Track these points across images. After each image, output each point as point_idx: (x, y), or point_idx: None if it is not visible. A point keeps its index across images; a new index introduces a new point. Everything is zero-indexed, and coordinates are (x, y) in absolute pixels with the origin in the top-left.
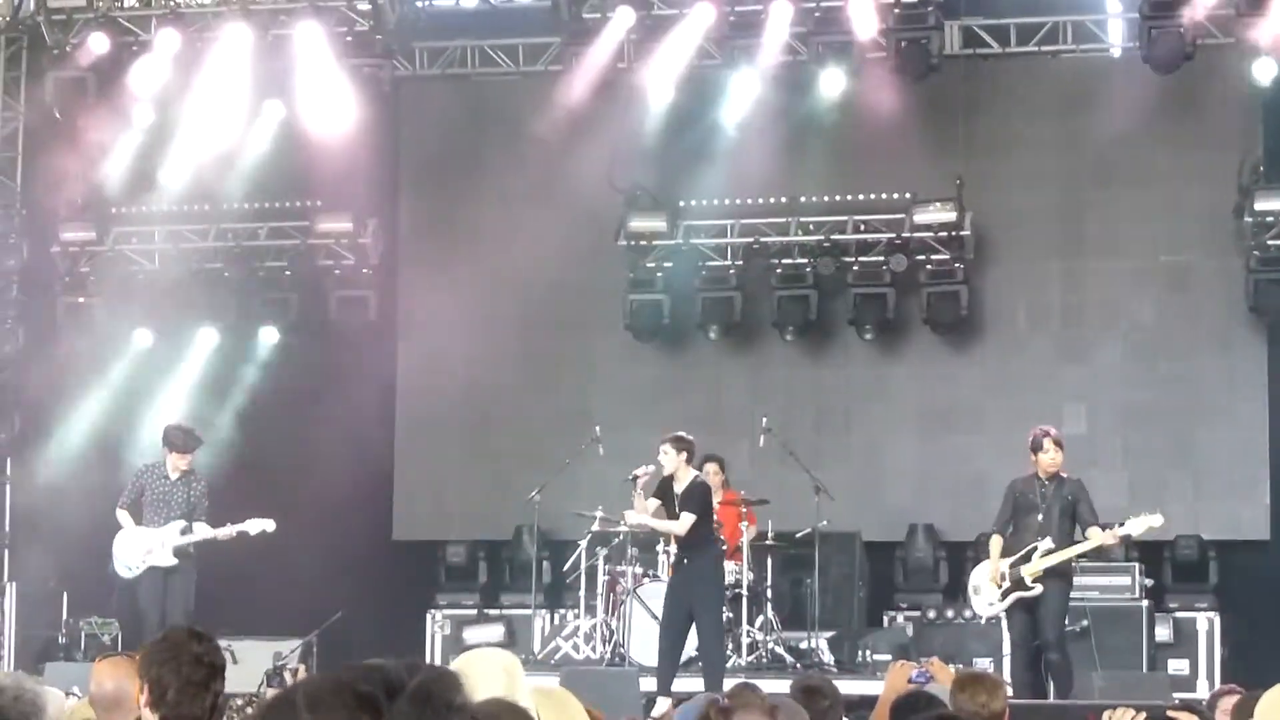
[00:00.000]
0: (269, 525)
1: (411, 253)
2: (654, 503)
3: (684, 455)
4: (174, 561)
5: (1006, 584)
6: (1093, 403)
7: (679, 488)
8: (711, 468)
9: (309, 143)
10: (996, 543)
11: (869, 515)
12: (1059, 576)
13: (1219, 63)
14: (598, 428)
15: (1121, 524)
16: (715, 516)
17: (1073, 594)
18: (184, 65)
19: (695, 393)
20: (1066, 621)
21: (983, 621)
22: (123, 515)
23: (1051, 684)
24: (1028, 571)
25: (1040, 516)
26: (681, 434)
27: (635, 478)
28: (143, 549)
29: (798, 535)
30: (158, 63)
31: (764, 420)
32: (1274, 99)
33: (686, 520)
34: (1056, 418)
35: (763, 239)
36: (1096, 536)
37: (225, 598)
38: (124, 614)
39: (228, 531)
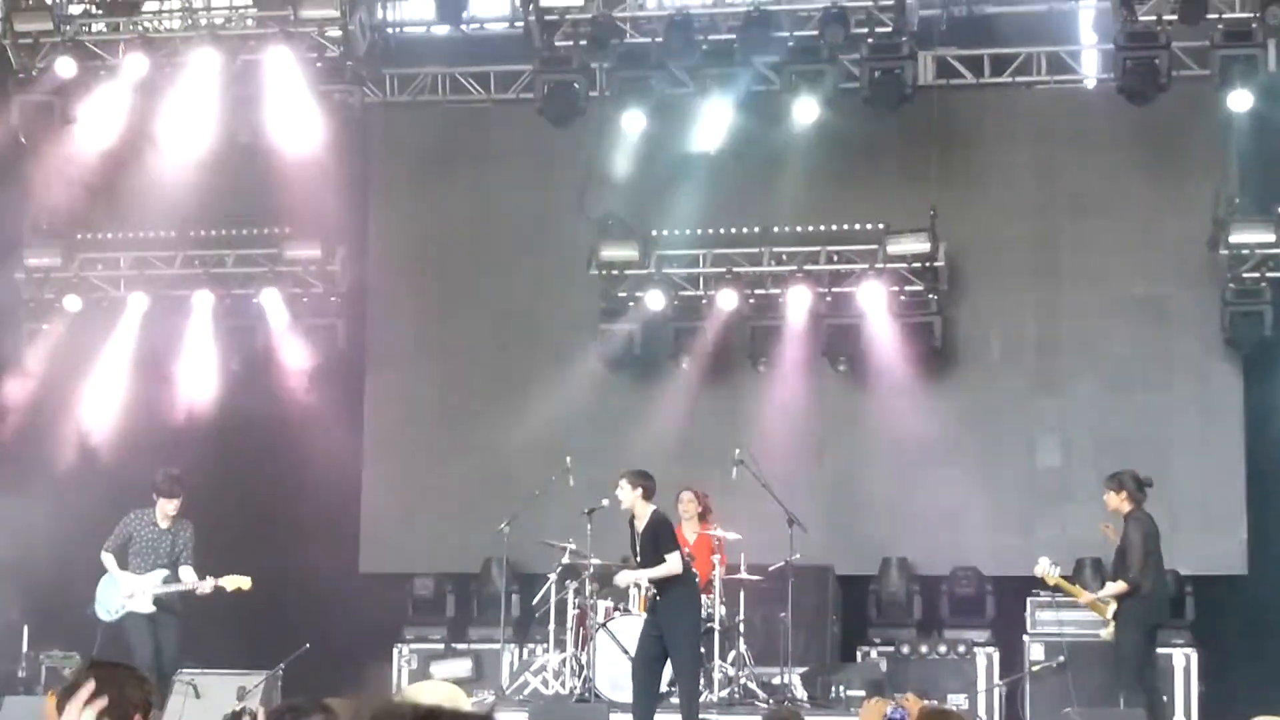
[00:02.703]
0: (245, 583)
1: (380, 280)
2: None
3: (639, 491)
4: (152, 609)
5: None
6: (1067, 435)
7: (639, 525)
8: (686, 496)
9: (278, 168)
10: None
11: (842, 548)
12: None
13: (1194, 94)
14: (569, 458)
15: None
16: (688, 549)
17: (1050, 630)
18: (152, 90)
19: (667, 423)
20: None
21: (956, 656)
22: (107, 559)
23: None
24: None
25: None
26: (639, 470)
27: (592, 511)
28: (124, 594)
29: (770, 568)
30: (125, 87)
31: (736, 451)
32: (1248, 131)
33: (675, 559)
34: (1030, 450)
35: (736, 269)
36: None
37: (190, 630)
38: (107, 656)
39: (205, 586)
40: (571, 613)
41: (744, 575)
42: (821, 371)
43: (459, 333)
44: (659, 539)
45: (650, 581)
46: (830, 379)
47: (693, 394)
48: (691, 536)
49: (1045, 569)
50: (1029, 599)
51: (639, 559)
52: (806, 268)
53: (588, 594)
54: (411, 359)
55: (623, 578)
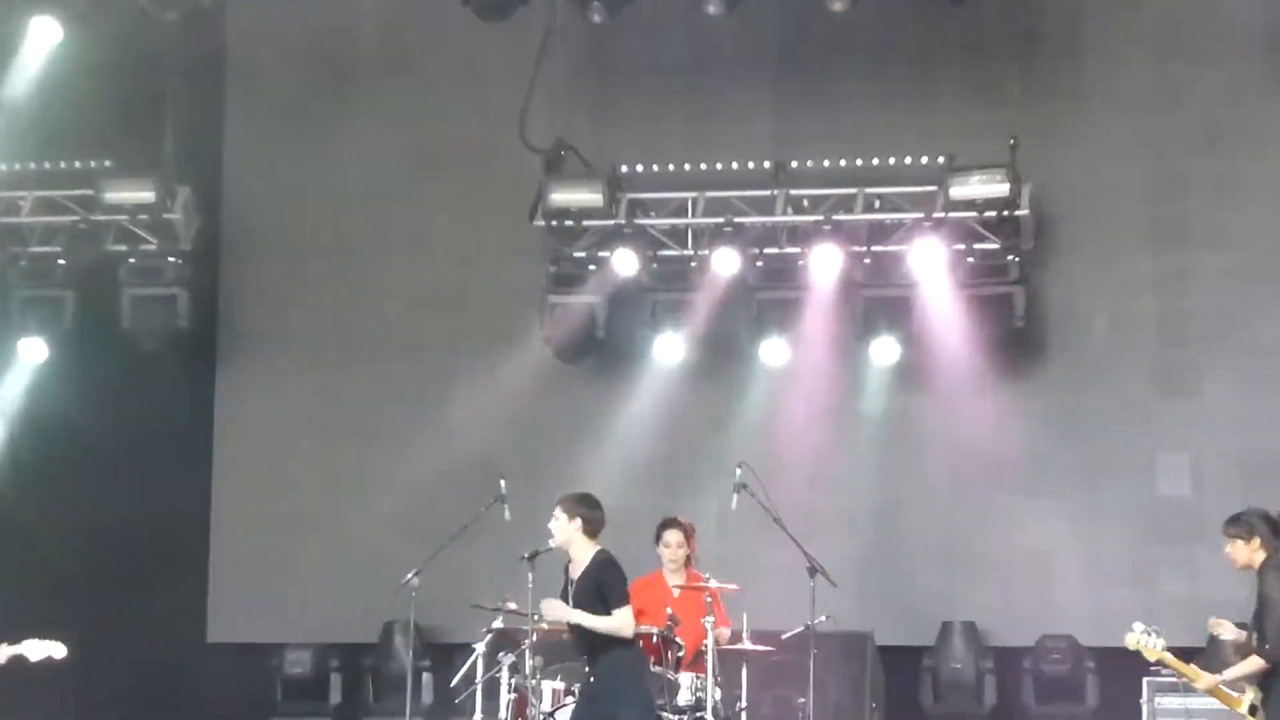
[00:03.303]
0: (57, 650)
1: (239, 236)
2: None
3: (578, 523)
4: None
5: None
6: (1199, 453)
7: (574, 570)
8: (673, 537)
9: (96, 79)
10: None
11: (886, 609)
12: None
13: None
14: (503, 482)
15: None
16: (668, 609)
17: None
18: None
19: (641, 434)
20: None
21: None
22: None
23: None
24: None
25: None
26: (579, 494)
27: (534, 555)
28: None
29: (785, 636)
30: None
31: (738, 472)
32: None
33: (626, 617)
34: (1147, 473)
35: (738, 219)
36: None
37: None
38: None
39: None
40: (506, 697)
41: (747, 645)
42: (856, 362)
43: (349, 310)
44: (604, 588)
45: (579, 644)
46: (869, 373)
47: (677, 393)
48: (676, 591)
49: (1138, 639)
50: (1145, 679)
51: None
52: (837, 218)
53: (528, 671)
54: (281, 346)
55: (550, 609)
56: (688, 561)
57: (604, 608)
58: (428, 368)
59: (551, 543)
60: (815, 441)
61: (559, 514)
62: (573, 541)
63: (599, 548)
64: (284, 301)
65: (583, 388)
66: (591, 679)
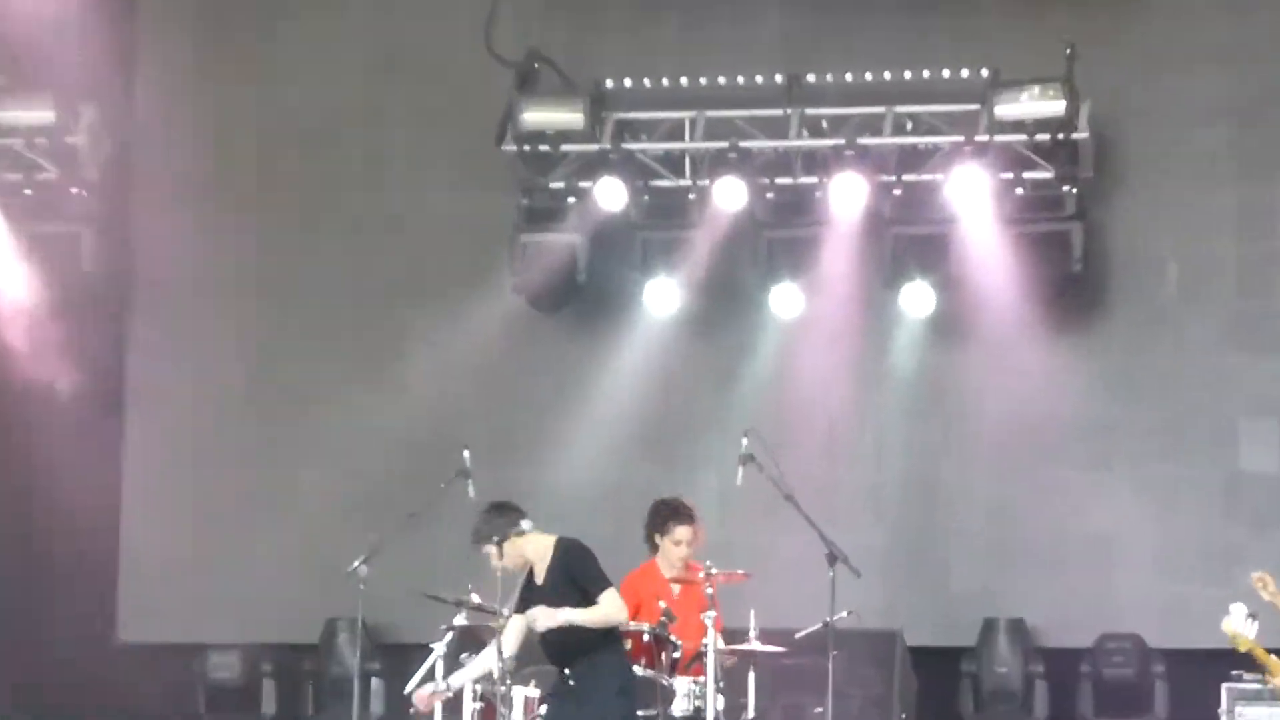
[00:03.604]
0: None
1: (155, 164)
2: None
3: (512, 542)
4: None
5: None
6: None
7: (540, 570)
8: (686, 535)
9: None
10: None
11: (918, 603)
12: None
13: None
14: (466, 454)
15: None
16: (662, 604)
17: None
18: None
19: (629, 397)
20: None
21: None
22: None
23: None
24: None
25: None
26: (494, 505)
27: (504, 540)
28: None
29: (800, 634)
30: None
31: (744, 442)
32: None
33: (612, 597)
34: (1228, 444)
35: (743, 144)
36: None
37: None
38: None
39: None
40: (471, 706)
41: (756, 645)
42: (883, 312)
43: (285, 253)
44: (576, 574)
45: (550, 651)
46: (898, 326)
47: (672, 349)
48: (675, 585)
49: (1238, 625)
50: (1225, 686)
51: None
52: (862, 141)
53: (497, 675)
54: (204, 296)
55: (541, 616)
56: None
57: (583, 598)
58: (377, 319)
59: (498, 570)
60: (835, 406)
61: (491, 552)
62: (526, 553)
63: (554, 536)
64: (208, 243)
65: (561, 342)
66: (570, 681)
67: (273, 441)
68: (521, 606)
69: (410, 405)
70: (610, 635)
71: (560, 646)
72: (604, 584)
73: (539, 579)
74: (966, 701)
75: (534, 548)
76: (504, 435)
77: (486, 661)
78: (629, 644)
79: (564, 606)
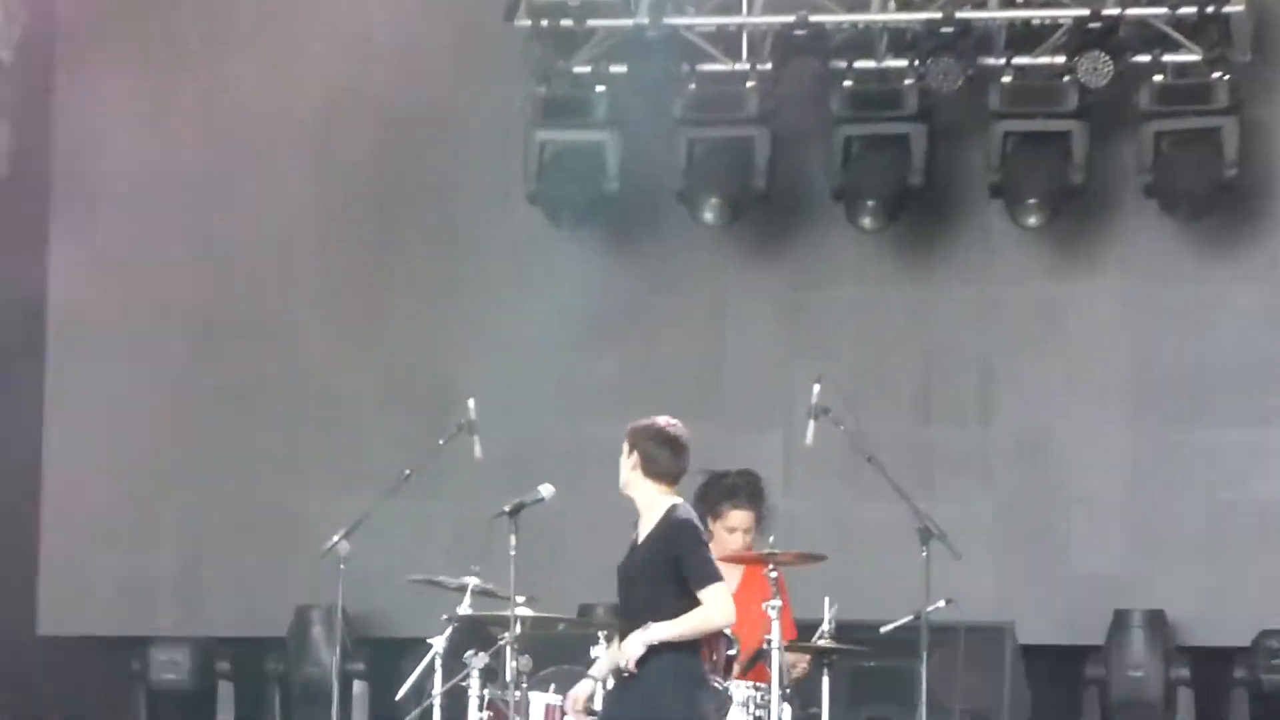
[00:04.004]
0: None
1: (85, 46)
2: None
3: (635, 460)
4: None
5: None
6: None
7: (644, 528)
8: (742, 520)
9: None
10: None
11: (1033, 592)
12: None
13: None
14: (471, 404)
15: None
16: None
17: None
18: None
19: (672, 333)
20: None
21: None
22: None
23: None
24: None
25: None
26: (653, 423)
27: (517, 510)
28: None
29: (885, 630)
30: None
31: (816, 389)
32: None
33: (718, 597)
34: None
35: (814, 18)
36: None
37: None
38: None
39: None
40: (476, 717)
41: (828, 642)
42: (989, 227)
43: (243, 154)
44: (681, 562)
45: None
46: (1006, 244)
47: (725, 272)
48: (734, 574)
49: None
50: None
51: (633, 603)
52: (962, 15)
53: (509, 678)
54: (142, 205)
55: (632, 647)
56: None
57: (678, 589)
58: (356, 236)
59: (544, 492)
60: (929, 346)
61: (624, 446)
62: (633, 487)
63: (674, 501)
64: (149, 143)
65: (587, 265)
66: (625, 674)
67: (228, 388)
68: (624, 564)
69: (400, 343)
70: (695, 644)
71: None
72: (710, 578)
73: (640, 538)
74: (1093, 713)
75: (645, 500)
76: (516, 381)
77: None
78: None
79: (655, 588)
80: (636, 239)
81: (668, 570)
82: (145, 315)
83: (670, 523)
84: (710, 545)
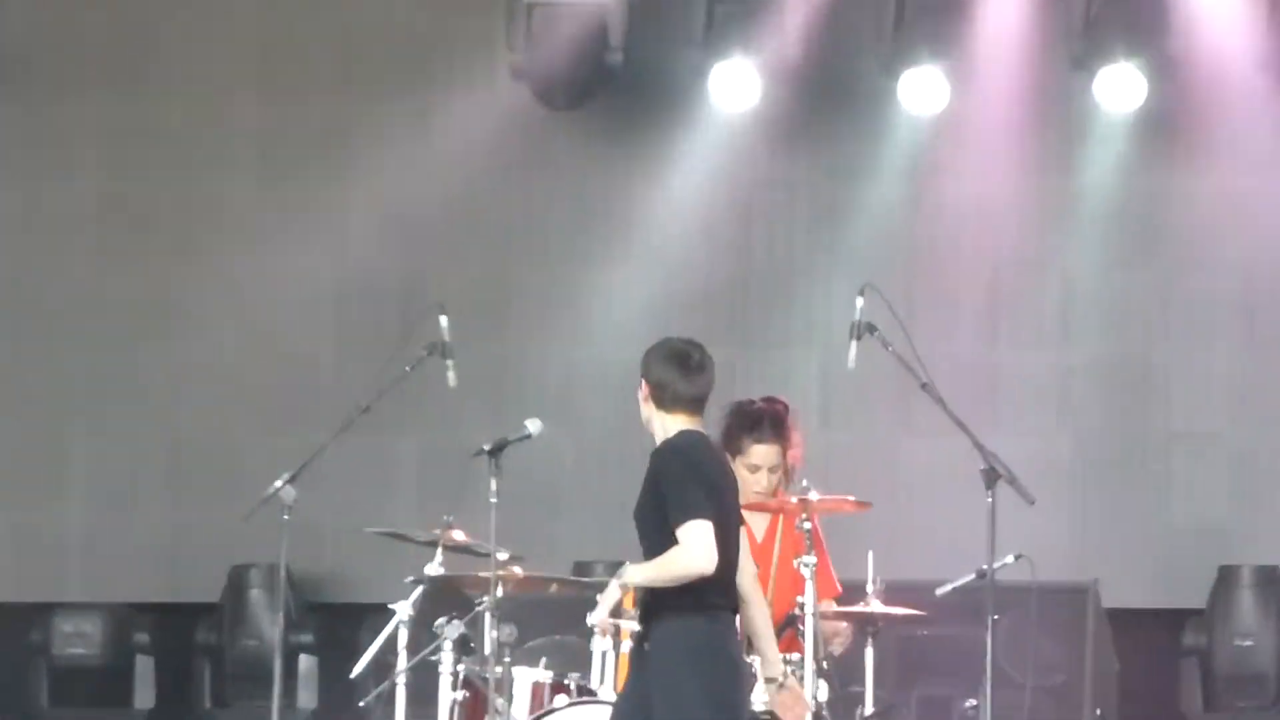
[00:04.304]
0: None
1: None
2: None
3: (644, 390)
4: None
5: None
6: None
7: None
8: (766, 456)
9: None
10: None
11: (1121, 545)
12: None
13: None
14: (443, 320)
15: None
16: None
17: None
18: None
19: (683, 231)
20: None
21: None
22: None
23: None
24: None
25: None
26: (666, 344)
27: (500, 449)
28: None
29: (942, 591)
30: None
31: (859, 302)
32: None
33: (692, 536)
34: None
35: None
36: None
37: None
38: None
39: None
40: (450, 696)
41: (875, 607)
42: (1070, 109)
43: (163, 24)
44: (661, 487)
45: (639, 605)
46: (1093, 127)
47: (748, 162)
48: (760, 524)
49: None
50: None
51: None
52: None
53: (489, 651)
54: (75, 69)
55: (603, 606)
56: (784, 477)
57: (661, 529)
58: (308, 117)
59: (532, 428)
60: (998, 250)
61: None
62: (651, 423)
63: (682, 428)
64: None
65: (583, 151)
66: (644, 645)
67: (146, 299)
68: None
69: (358, 242)
70: (698, 591)
71: (642, 605)
72: (686, 511)
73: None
74: (1192, 690)
75: (660, 431)
76: (498, 292)
77: None
78: None
79: (651, 538)
80: (641, 121)
81: (657, 513)
82: (44, 200)
83: (657, 451)
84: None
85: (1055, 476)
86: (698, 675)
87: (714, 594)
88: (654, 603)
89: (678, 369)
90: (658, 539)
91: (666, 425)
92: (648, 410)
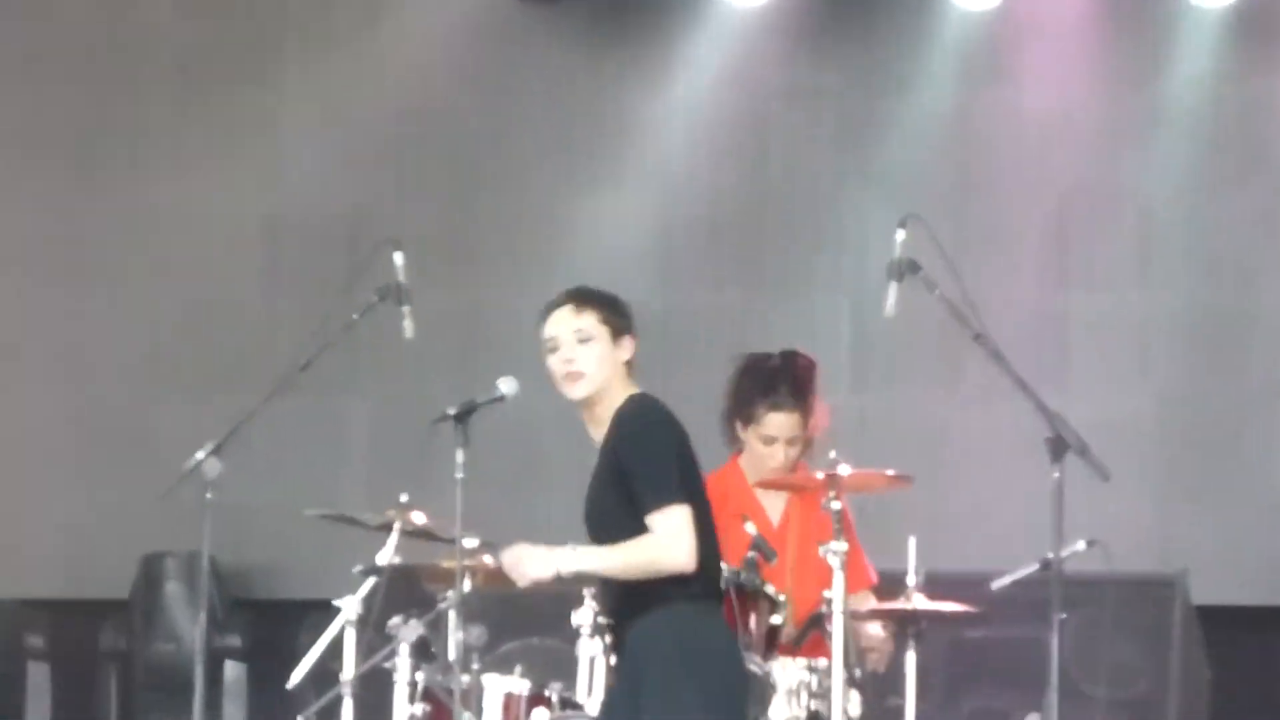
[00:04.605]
0: None
1: None
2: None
3: (615, 336)
4: None
5: None
6: None
7: (597, 432)
8: (782, 425)
9: None
10: None
11: (1213, 532)
12: None
13: None
14: (398, 258)
15: None
16: (752, 535)
17: None
18: None
19: (691, 152)
20: None
21: None
22: None
23: None
24: None
25: None
26: (596, 291)
27: (468, 413)
28: None
29: (999, 585)
30: None
31: (899, 237)
32: None
33: (670, 522)
34: None
35: None
36: None
37: None
38: None
39: None
40: (407, 711)
41: (918, 603)
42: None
43: None
44: (624, 463)
45: (611, 609)
46: (1181, 25)
47: (764, 64)
48: (776, 504)
49: None
50: None
51: (588, 531)
52: None
53: (454, 654)
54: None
55: (515, 561)
56: (804, 449)
57: (627, 512)
58: (236, 21)
59: (505, 388)
60: (1062, 174)
61: (571, 318)
62: (600, 405)
63: (631, 391)
64: None
65: (566, 53)
66: (623, 657)
67: (41, 236)
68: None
69: (295, 169)
70: (687, 583)
71: (615, 595)
72: (661, 496)
73: (598, 438)
74: None
75: (607, 399)
76: (464, 225)
77: None
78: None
79: (608, 520)
80: (640, 18)
81: (618, 491)
82: None
83: (619, 417)
84: (740, 458)
85: (1134, 446)
86: (694, 674)
87: (699, 583)
88: (629, 602)
89: (627, 320)
90: (627, 524)
91: (620, 383)
92: (607, 368)
